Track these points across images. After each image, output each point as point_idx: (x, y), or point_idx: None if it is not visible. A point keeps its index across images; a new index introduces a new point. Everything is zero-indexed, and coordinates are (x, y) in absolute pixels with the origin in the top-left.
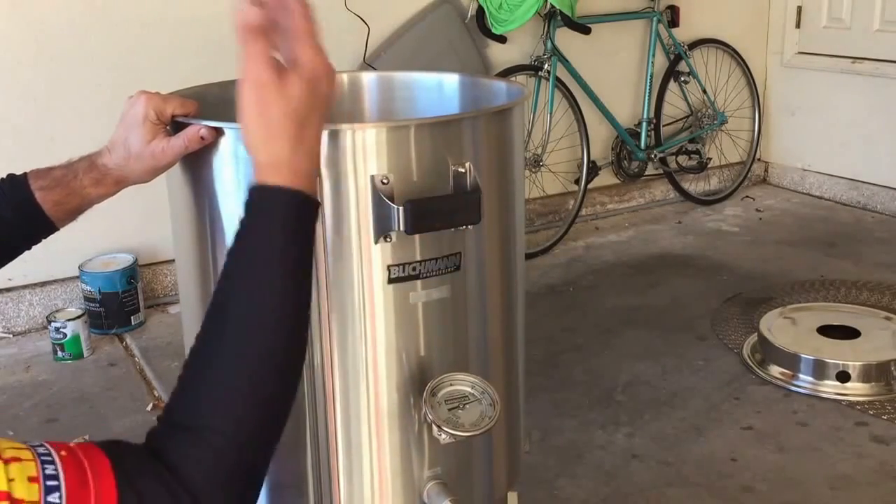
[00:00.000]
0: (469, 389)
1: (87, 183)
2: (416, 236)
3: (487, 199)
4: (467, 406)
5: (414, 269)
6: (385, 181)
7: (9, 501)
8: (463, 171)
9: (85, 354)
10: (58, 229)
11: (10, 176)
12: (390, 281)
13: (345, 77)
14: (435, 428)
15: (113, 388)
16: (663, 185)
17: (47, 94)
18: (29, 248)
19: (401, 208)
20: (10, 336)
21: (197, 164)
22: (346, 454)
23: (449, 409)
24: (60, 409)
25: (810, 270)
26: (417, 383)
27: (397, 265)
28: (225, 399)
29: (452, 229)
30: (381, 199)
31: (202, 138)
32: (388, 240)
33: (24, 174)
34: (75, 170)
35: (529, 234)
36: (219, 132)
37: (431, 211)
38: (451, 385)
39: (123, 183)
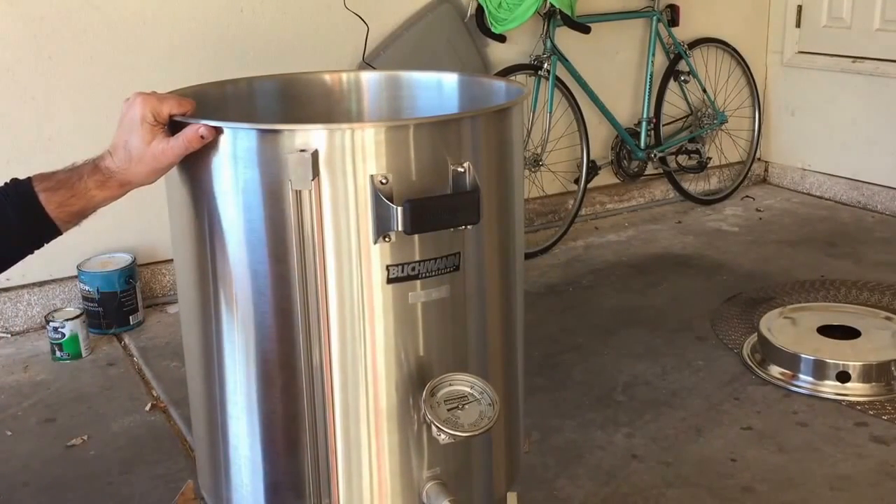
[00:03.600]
0: (468, 389)
1: (92, 185)
2: (415, 236)
3: (487, 198)
4: (466, 406)
5: (413, 269)
6: (384, 181)
7: None
8: (462, 170)
9: (83, 354)
10: (62, 233)
11: (14, 179)
12: (389, 281)
13: (344, 76)
14: (434, 428)
15: (111, 388)
16: (663, 185)
17: (46, 93)
18: (32, 252)
19: (400, 208)
20: (9, 336)
21: (195, 163)
22: (345, 454)
23: (448, 409)
24: (59, 408)
25: (810, 270)
26: (417, 383)
27: (396, 265)
28: None
29: (452, 229)
30: (381, 198)
31: (202, 137)
32: (388, 240)
33: (29, 178)
34: (80, 172)
35: (529, 233)
36: (218, 131)
37: (431, 211)
38: (450, 385)
39: (128, 186)
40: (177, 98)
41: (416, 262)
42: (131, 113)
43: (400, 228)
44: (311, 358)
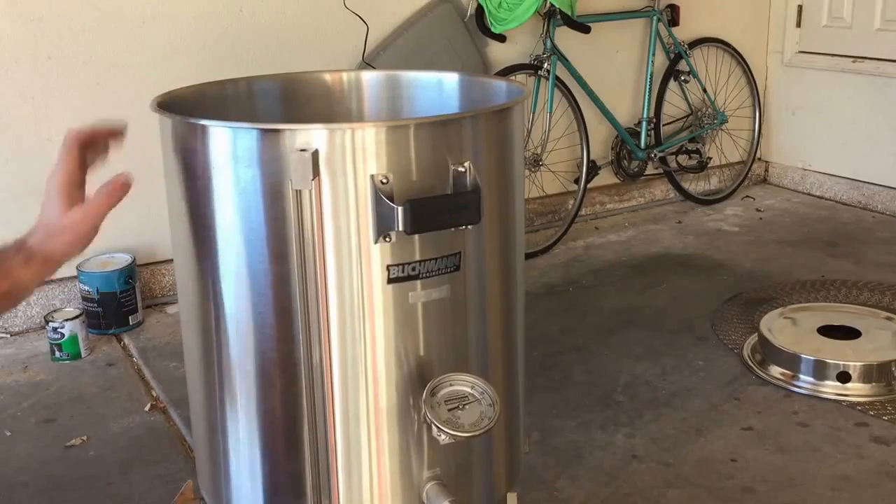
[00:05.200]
0: (469, 390)
1: (16, 264)
2: (416, 236)
3: (487, 198)
4: (467, 406)
5: (413, 268)
6: (385, 181)
7: None
8: (463, 170)
9: (83, 354)
10: None
11: None
12: (390, 281)
13: (344, 76)
14: (434, 428)
15: (111, 388)
16: (663, 185)
17: (44, 93)
18: None
19: (401, 208)
20: (8, 336)
21: (195, 163)
22: (344, 455)
23: (448, 410)
24: (58, 409)
25: (811, 270)
26: (417, 383)
27: (397, 265)
28: None
29: (452, 229)
30: (381, 198)
31: (123, 186)
32: (388, 240)
33: None
34: (6, 251)
35: (529, 233)
36: (216, 132)
37: (431, 211)
38: (450, 385)
39: (52, 261)
40: (101, 136)
41: (416, 261)
42: (48, 184)
43: (400, 228)
44: (311, 358)
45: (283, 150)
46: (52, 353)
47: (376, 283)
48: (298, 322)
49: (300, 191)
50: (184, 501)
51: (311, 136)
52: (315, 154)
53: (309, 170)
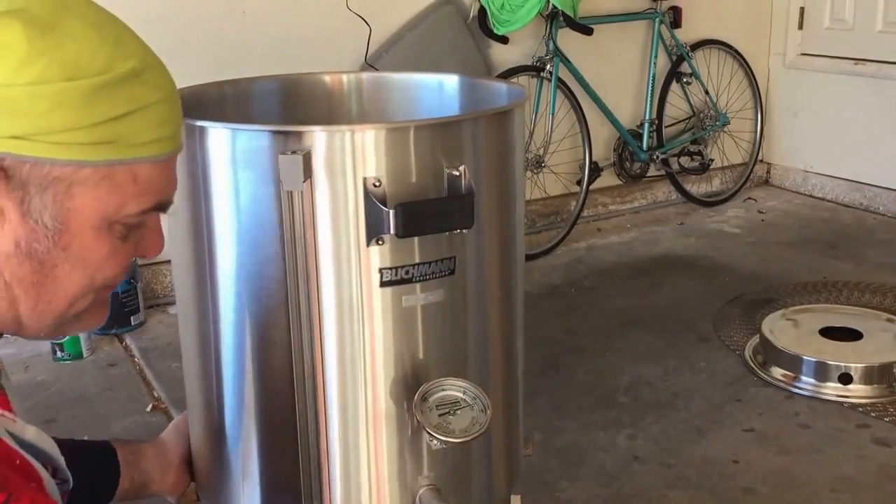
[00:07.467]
0: (460, 395)
1: None
2: (410, 240)
3: (486, 201)
4: (458, 412)
5: (407, 272)
6: (377, 184)
7: None
8: (457, 174)
9: (84, 355)
10: None
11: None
12: (382, 284)
13: (344, 77)
14: (425, 434)
15: (112, 388)
16: (665, 187)
17: None
18: None
19: (391, 211)
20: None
21: (194, 163)
22: (341, 458)
23: (440, 415)
24: (59, 409)
25: (812, 272)
26: (412, 388)
27: (389, 269)
28: None
29: (447, 233)
30: (373, 201)
31: None
32: (380, 243)
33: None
34: None
35: (531, 235)
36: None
37: (423, 214)
38: (442, 390)
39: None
40: None
41: (409, 265)
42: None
43: (392, 232)
44: (304, 362)
45: (278, 151)
46: (54, 353)
47: (370, 286)
48: (292, 325)
49: (291, 193)
50: (184, 503)
51: (310, 138)
52: (307, 156)
53: (299, 172)
